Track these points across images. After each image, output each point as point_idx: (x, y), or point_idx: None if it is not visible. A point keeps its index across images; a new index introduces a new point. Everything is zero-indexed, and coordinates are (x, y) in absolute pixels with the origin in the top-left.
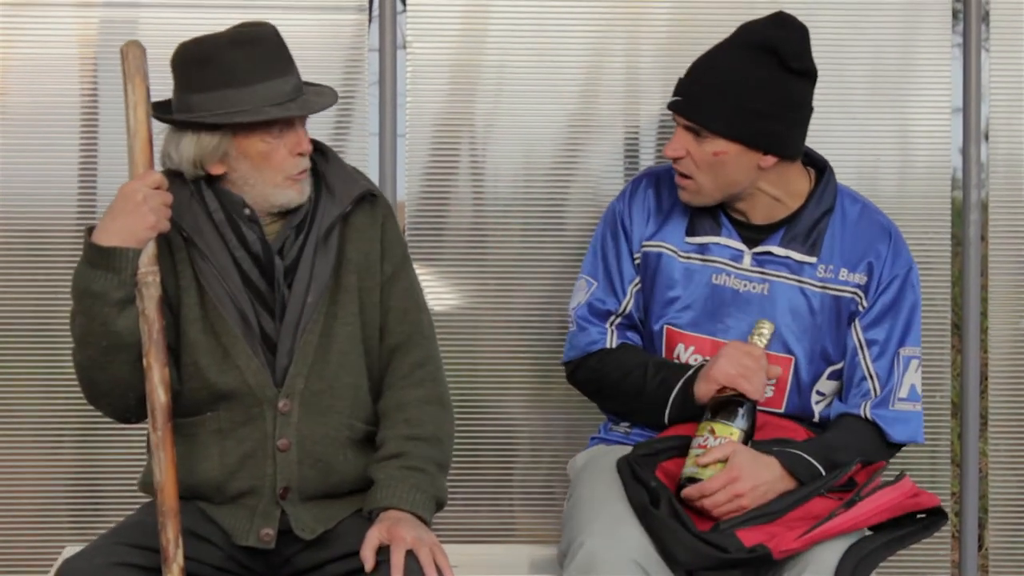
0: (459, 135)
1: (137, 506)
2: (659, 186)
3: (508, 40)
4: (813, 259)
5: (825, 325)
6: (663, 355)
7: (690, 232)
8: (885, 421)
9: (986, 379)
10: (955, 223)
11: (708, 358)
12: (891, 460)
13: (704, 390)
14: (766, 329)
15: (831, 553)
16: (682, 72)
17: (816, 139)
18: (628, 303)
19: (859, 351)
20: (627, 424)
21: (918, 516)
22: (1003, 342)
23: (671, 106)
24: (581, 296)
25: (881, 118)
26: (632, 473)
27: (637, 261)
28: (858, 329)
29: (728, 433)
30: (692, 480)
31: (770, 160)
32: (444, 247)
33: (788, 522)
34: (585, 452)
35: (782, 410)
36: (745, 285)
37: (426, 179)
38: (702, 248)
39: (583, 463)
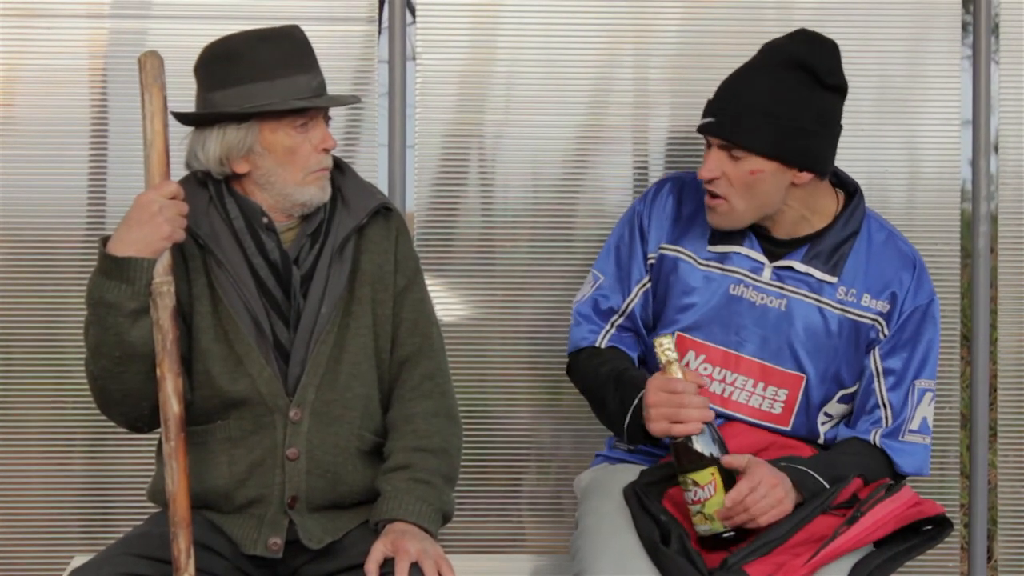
0: (468, 146)
1: (146, 516)
2: (683, 192)
3: (517, 51)
4: (834, 279)
5: (841, 348)
6: None
7: (712, 241)
8: (894, 451)
9: (995, 390)
10: (964, 235)
11: (716, 368)
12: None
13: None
14: (666, 345)
15: (837, 574)
16: (691, 84)
17: None
18: (632, 301)
19: (875, 379)
20: (638, 443)
21: (924, 528)
22: (1012, 353)
23: (704, 128)
24: (587, 290)
25: (890, 130)
26: (640, 504)
27: (651, 262)
28: (876, 357)
29: (708, 478)
30: (714, 535)
31: (805, 177)
32: (453, 258)
33: (793, 548)
34: (590, 471)
35: (788, 428)
36: (763, 298)
37: (435, 190)
38: (722, 257)
39: (587, 483)
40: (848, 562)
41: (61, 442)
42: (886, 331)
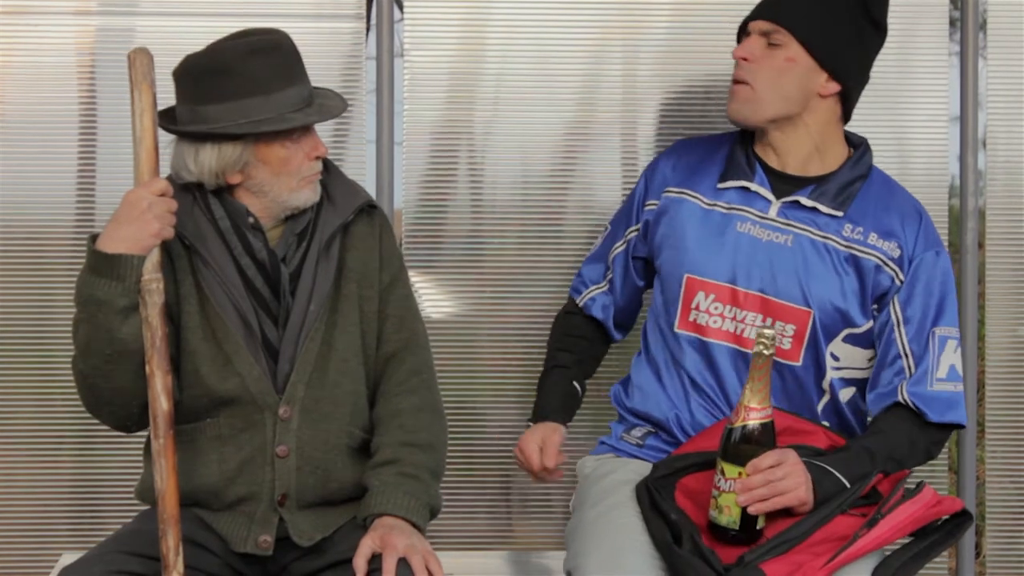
0: (457, 143)
1: (135, 514)
2: (686, 146)
3: (506, 48)
4: (840, 214)
5: (848, 284)
6: (681, 304)
7: (723, 178)
8: (924, 401)
9: (983, 386)
10: (953, 231)
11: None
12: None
13: None
14: (769, 342)
15: (858, 575)
16: (680, 81)
17: None
18: (620, 247)
19: (896, 328)
20: (640, 433)
21: (942, 521)
22: (1000, 349)
23: (751, 15)
24: (600, 239)
25: (879, 126)
26: (652, 503)
27: (651, 207)
28: (896, 306)
29: (735, 474)
30: (714, 524)
31: (832, 87)
32: (441, 255)
33: (812, 547)
34: (594, 457)
35: (799, 363)
36: (769, 235)
37: (423, 187)
38: (729, 197)
39: (590, 471)
40: (869, 563)
41: (50, 440)
42: (902, 277)
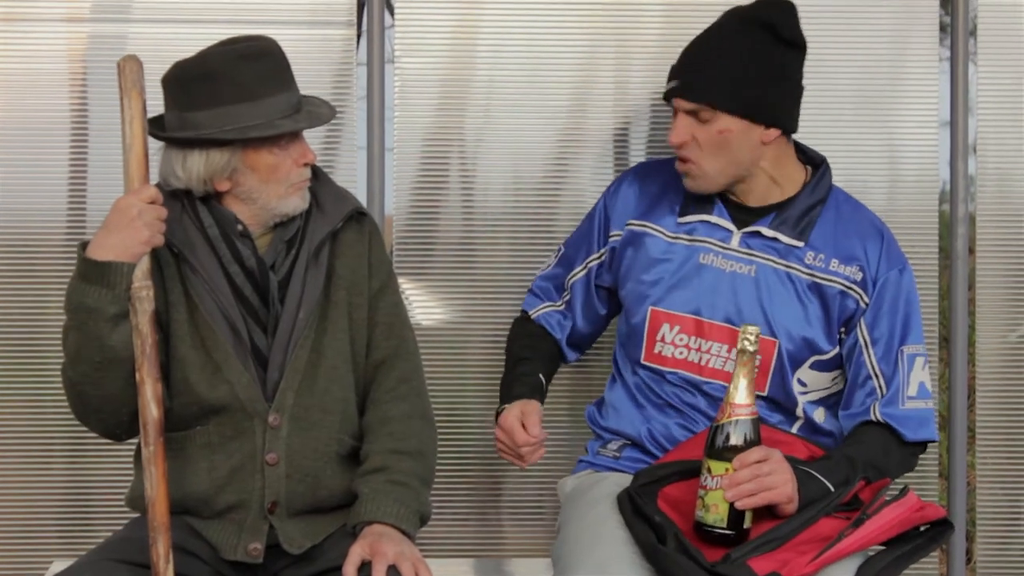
0: (448, 149)
1: (126, 522)
2: (646, 174)
3: (497, 54)
4: (801, 244)
5: (812, 311)
6: (646, 337)
7: (683, 212)
8: (897, 421)
9: (974, 392)
10: (943, 236)
11: (692, 337)
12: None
13: None
14: (752, 338)
15: (844, 574)
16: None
17: None
18: (580, 272)
19: (864, 350)
20: (615, 446)
21: (922, 528)
22: (991, 355)
23: (669, 93)
24: (551, 261)
25: (869, 131)
26: (634, 508)
27: (613, 238)
28: (863, 328)
29: (722, 470)
30: (701, 524)
31: (773, 134)
32: (432, 261)
33: (798, 546)
34: (573, 477)
35: (765, 392)
36: (732, 265)
37: (414, 193)
38: (691, 228)
39: (571, 489)
40: (853, 563)
41: (40, 447)
42: (866, 299)
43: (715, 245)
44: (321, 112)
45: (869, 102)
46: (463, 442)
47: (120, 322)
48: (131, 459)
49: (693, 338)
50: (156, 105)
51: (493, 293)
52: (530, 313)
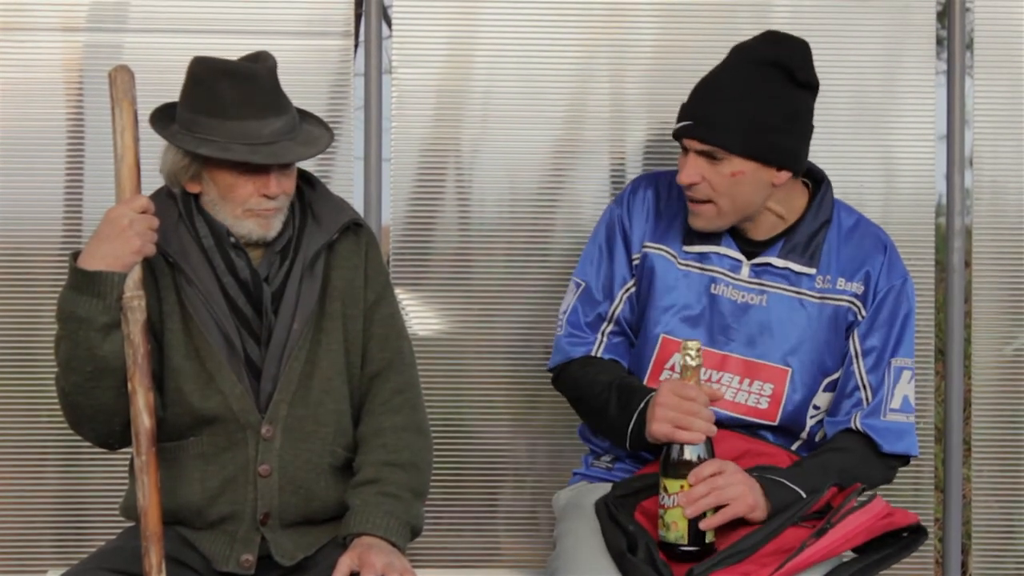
0: (444, 160)
1: (120, 531)
2: (658, 188)
3: (494, 65)
4: (812, 270)
5: (823, 336)
6: (654, 362)
7: (688, 241)
8: (876, 432)
9: (970, 405)
10: (939, 249)
11: (705, 370)
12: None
13: (652, 440)
14: (692, 350)
15: None
16: (667, 98)
17: None
18: (618, 307)
19: (855, 360)
20: (608, 458)
21: (902, 534)
22: (987, 368)
23: (680, 132)
24: (570, 299)
25: (866, 144)
26: (610, 515)
27: (636, 262)
28: (856, 339)
29: (677, 488)
30: (663, 541)
31: (784, 176)
32: (429, 272)
33: (761, 558)
34: (568, 489)
35: (775, 422)
36: (743, 296)
37: (411, 204)
38: (701, 257)
39: (565, 502)
40: (818, 573)
41: (35, 456)
42: (863, 312)
43: (726, 275)
44: (292, 150)
45: (866, 115)
46: (460, 453)
47: (111, 332)
48: (125, 468)
49: (704, 369)
50: (143, 114)
51: (490, 303)
52: (593, 354)
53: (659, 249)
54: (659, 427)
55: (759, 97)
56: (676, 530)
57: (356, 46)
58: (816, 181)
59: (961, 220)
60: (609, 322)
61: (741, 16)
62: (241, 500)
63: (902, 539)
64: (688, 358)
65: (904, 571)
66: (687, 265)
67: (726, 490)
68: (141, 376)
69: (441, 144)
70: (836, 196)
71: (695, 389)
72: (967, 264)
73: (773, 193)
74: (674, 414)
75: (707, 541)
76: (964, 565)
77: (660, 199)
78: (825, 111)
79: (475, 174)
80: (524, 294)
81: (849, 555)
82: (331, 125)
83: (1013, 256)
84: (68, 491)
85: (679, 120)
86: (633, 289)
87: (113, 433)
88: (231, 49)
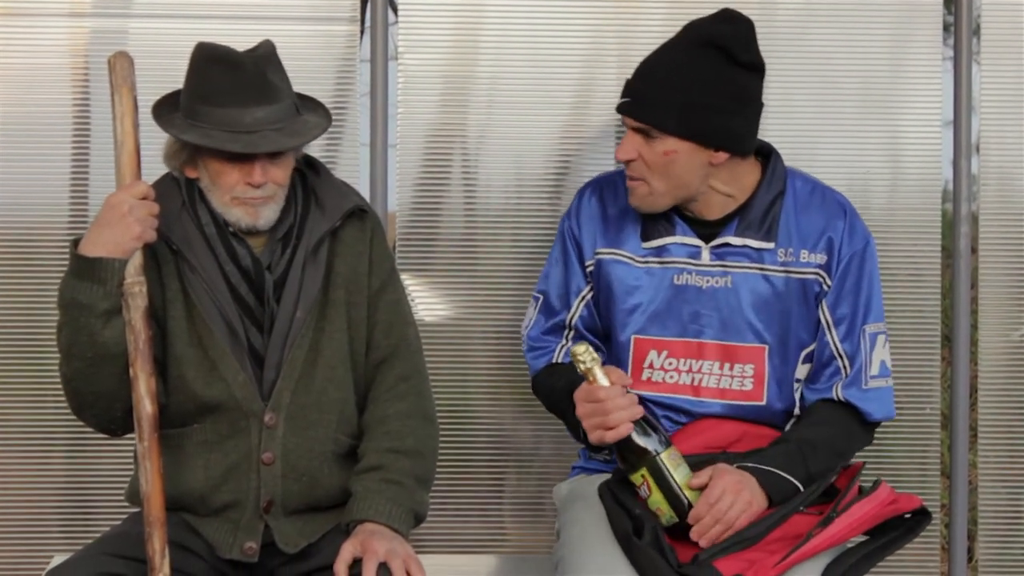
0: (450, 146)
1: (126, 516)
2: (603, 193)
3: (500, 51)
4: (771, 244)
5: (793, 308)
6: (631, 365)
7: (645, 237)
8: (860, 400)
9: (976, 391)
10: (946, 235)
11: (681, 360)
12: (875, 471)
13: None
14: (580, 353)
15: (810, 573)
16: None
17: (806, 150)
18: (575, 314)
19: (828, 331)
20: (607, 450)
21: (904, 516)
22: (993, 354)
23: (619, 108)
24: (531, 314)
25: (872, 130)
26: (615, 499)
27: (590, 269)
28: (825, 309)
29: (640, 480)
30: (671, 526)
31: (721, 156)
32: (435, 258)
33: (767, 545)
34: (568, 482)
35: (763, 402)
36: (708, 280)
37: (417, 190)
38: (659, 251)
39: (567, 493)
40: (822, 561)
41: (41, 442)
42: (829, 282)
43: (687, 263)
44: (274, 140)
45: (872, 101)
46: (465, 439)
47: (112, 318)
48: (131, 453)
49: (683, 360)
50: (147, 100)
51: (496, 289)
52: (555, 361)
53: (613, 254)
54: (593, 437)
55: (696, 77)
56: (662, 515)
57: (362, 32)
58: (766, 155)
59: (967, 206)
60: (569, 329)
61: (749, 4)
62: (244, 488)
63: (906, 522)
64: (580, 364)
65: (910, 557)
66: (646, 262)
67: (730, 512)
68: (143, 362)
69: (447, 130)
70: (842, 182)
71: (602, 388)
72: (973, 250)
73: (714, 172)
74: (593, 420)
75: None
76: (970, 551)
77: (606, 204)
78: (832, 97)
79: (481, 160)
80: (530, 280)
81: (855, 539)
82: (337, 111)
83: (1019, 242)
84: (74, 477)
85: (621, 96)
86: (590, 296)
87: (115, 419)
88: (237, 35)
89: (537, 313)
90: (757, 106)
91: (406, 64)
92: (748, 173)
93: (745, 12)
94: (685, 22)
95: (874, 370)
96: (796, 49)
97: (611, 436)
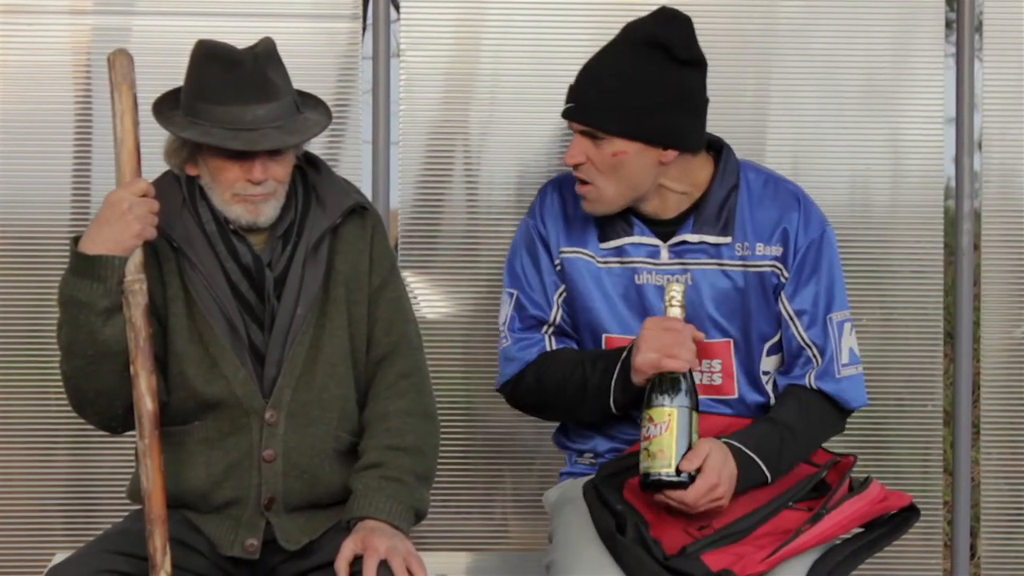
0: (452, 143)
1: (128, 514)
2: (563, 192)
3: (502, 48)
4: (728, 239)
5: (753, 302)
6: None
7: (603, 238)
8: (835, 392)
9: (978, 388)
10: (948, 232)
11: None
12: (875, 472)
13: (637, 380)
14: (676, 292)
15: (795, 571)
16: None
17: (809, 147)
18: (557, 314)
19: (791, 323)
20: (591, 455)
21: (889, 516)
22: (995, 351)
23: (564, 114)
24: (507, 310)
25: (874, 127)
26: (598, 497)
27: (558, 267)
28: (784, 301)
29: (664, 416)
30: (647, 476)
31: (671, 155)
32: (437, 255)
33: (756, 540)
34: (557, 487)
35: (735, 396)
36: (667, 279)
37: (419, 187)
38: (618, 251)
39: (556, 499)
40: (810, 557)
41: (44, 438)
42: (786, 274)
43: (646, 263)
44: (274, 137)
45: (874, 98)
46: (466, 436)
47: (112, 315)
48: (133, 452)
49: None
50: (148, 98)
51: (497, 286)
52: (547, 349)
53: (576, 252)
54: (644, 357)
55: (638, 78)
56: (663, 458)
57: (364, 29)
58: (717, 149)
59: (970, 203)
60: (551, 326)
61: (750, 1)
62: (245, 485)
63: (893, 519)
64: (674, 300)
65: (913, 553)
66: (606, 263)
67: (723, 500)
68: (143, 359)
69: (449, 127)
70: (844, 179)
71: (679, 322)
72: (976, 247)
73: (664, 171)
74: (660, 343)
75: (692, 474)
76: (973, 548)
77: (567, 203)
78: (834, 94)
79: (483, 157)
80: None
81: (835, 541)
82: (339, 108)
83: (1022, 238)
84: (76, 474)
85: (566, 101)
86: (565, 294)
87: (116, 416)
88: (239, 32)
89: (513, 310)
90: (702, 102)
91: (408, 61)
92: (700, 169)
93: (747, 10)
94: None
95: (844, 358)
96: (799, 47)
97: (670, 364)
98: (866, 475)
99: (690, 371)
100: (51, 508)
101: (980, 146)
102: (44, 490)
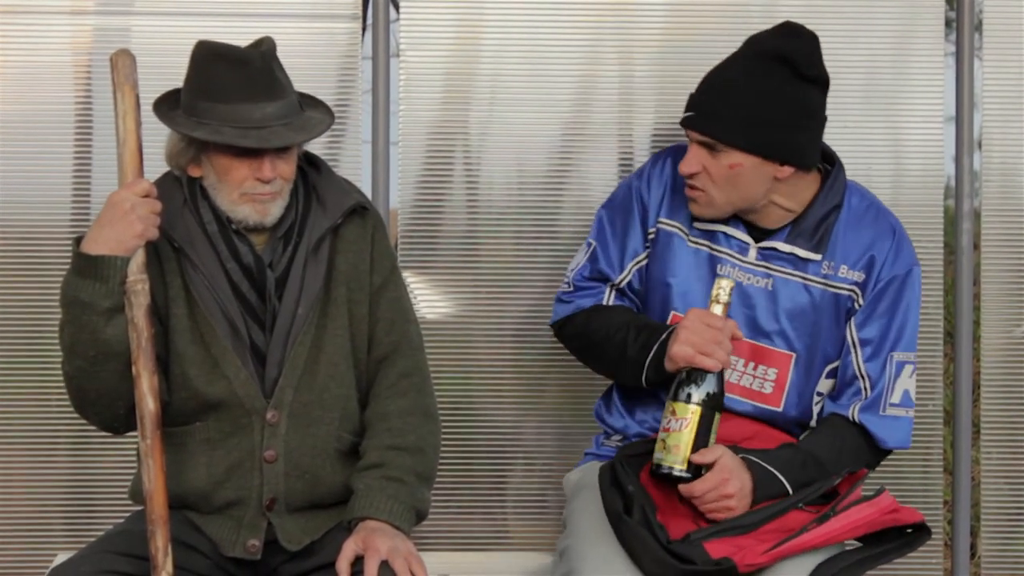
0: (452, 143)
1: (130, 514)
2: (677, 161)
3: (502, 48)
4: (818, 256)
5: (825, 322)
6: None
7: (697, 218)
8: (875, 426)
9: (979, 387)
10: (948, 232)
11: None
12: (876, 471)
13: (669, 367)
14: (723, 288)
15: (799, 570)
16: (676, 81)
17: None
18: (626, 278)
19: (852, 350)
20: (619, 438)
21: (906, 530)
22: (996, 350)
23: (685, 122)
24: (581, 258)
25: (874, 126)
26: (612, 478)
27: (651, 236)
28: (852, 328)
29: (687, 413)
30: (659, 466)
31: (787, 171)
32: (437, 255)
33: (760, 534)
34: (579, 468)
35: (780, 408)
36: (749, 278)
37: (419, 187)
38: (709, 235)
39: (576, 481)
40: (812, 560)
41: (45, 439)
42: (861, 301)
43: (733, 257)
44: (283, 135)
45: (874, 97)
46: (468, 436)
47: (114, 316)
48: (135, 451)
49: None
50: (150, 98)
51: (498, 287)
52: (603, 303)
53: (672, 225)
54: (680, 349)
55: (762, 92)
56: (677, 453)
57: (364, 29)
58: (831, 162)
59: (970, 202)
60: (616, 287)
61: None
62: (247, 486)
63: (905, 536)
64: (721, 295)
65: (913, 554)
66: (696, 243)
67: (733, 511)
68: (145, 360)
69: (449, 127)
70: (849, 178)
71: (721, 320)
72: (976, 246)
73: (776, 187)
74: (698, 339)
75: (702, 472)
76: (973, 547)
77: (676, 174)
78: (835, 93)
79: (483, 157)
80: (532, 277)
81: (852, 543)
82: (339, 108)
83: (1021, 237)
84: (78, 475)
85: (686, 109)
86: (645, 263)
87: (118, 417)
88: (239, 32)
89: (586, 260)
90: (821, 119)
91: (408, 61)
92: (808, 187)
93: (748, 9)
94: (684, 22)
95: (895, 398)
96: None
97: (703, 362)
98: (880, 486)
99: (722, 370)
100: (52, 509)
101: (980, 145)
102: (45, 491)
